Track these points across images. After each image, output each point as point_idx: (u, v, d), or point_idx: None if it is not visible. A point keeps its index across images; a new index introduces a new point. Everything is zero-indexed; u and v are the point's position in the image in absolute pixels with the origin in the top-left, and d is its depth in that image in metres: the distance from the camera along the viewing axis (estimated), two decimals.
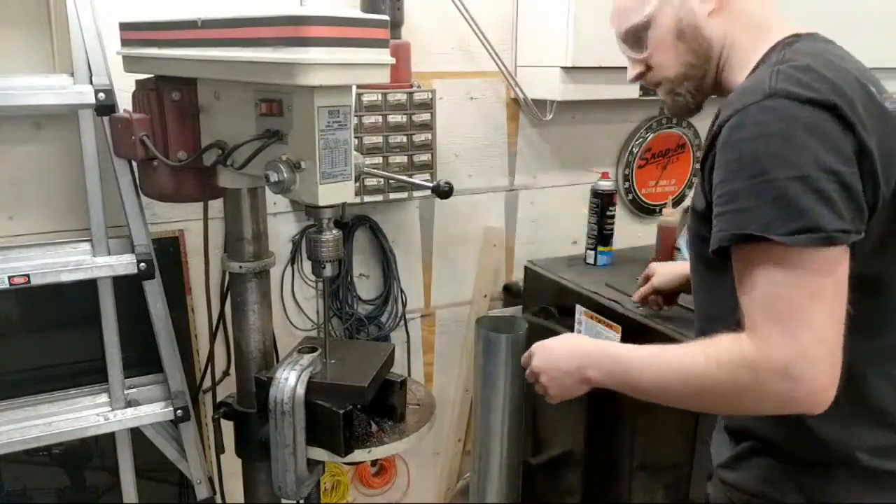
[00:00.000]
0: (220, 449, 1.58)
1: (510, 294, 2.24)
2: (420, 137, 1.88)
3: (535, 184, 2.23)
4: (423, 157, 1.90)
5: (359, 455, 1.34)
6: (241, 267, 1.40)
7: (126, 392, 1.56)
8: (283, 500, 1.45)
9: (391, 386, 1.42)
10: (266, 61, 1.07)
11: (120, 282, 1.49)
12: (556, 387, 1.13)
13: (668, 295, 1.60)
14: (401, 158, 1.87)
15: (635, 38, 1.12)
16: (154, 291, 1.51)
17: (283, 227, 1.91)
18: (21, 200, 1.61)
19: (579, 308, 1.84)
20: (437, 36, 1.95)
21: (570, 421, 1.90)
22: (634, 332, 1.64)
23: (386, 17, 1.14)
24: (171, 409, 1.55)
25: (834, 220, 0.81)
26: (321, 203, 1.16)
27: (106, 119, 1.42)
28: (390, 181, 1.83)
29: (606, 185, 1.99)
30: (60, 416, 1.52)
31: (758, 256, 0.85)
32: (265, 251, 1.44)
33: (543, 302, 1.99)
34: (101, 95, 1.39)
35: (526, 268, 2.13)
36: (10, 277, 1.37)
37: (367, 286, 2.05)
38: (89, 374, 1.64)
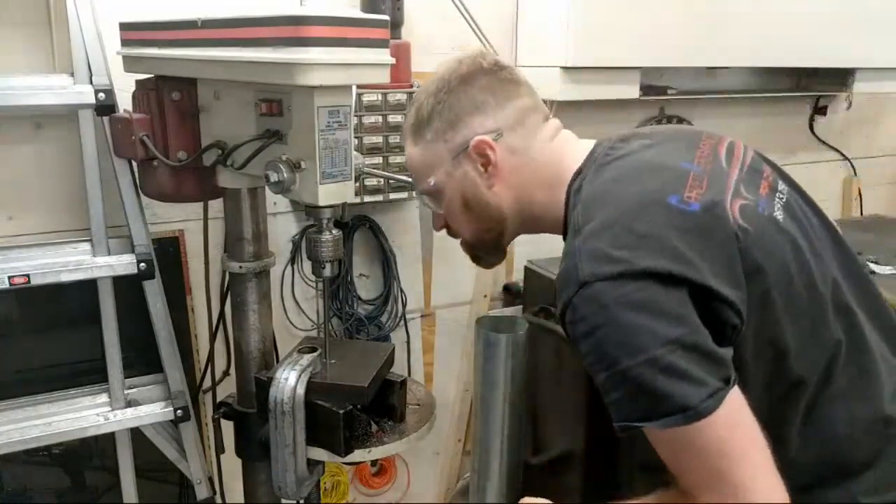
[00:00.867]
0: (220, 449, 1.58)
1: (510, 294, 2.24)
2: None
3: None
4: None
5: (359, 455, 1.34)
6: (241, 267, 1.40)
7: (126, 392, 1.56)
8: (283, 500, 1.45)
9: (391, 386, 1.42)
10: (266, 61, 1.07)
11: (120, 282, 1.49)
12: None
13: None
14: (401, 158, 1.86)
15: (431, 197, 1.13)
16: (154, 291, 1.51)
17: (283, 227, 1.91)
18: (21, 200, 1.61)
19: None
20: (437, 36, 1.95)
21: (570, 421, 1.90)
22: None
23: (386, 17, 1.14)
24: (171, 409, 1.55)
25: (696, 392, 0.80)
26: (321, 203, 1.16)
27: (106, 119, 1.41)
28: (390, 181, 1.83)
29: None
30: (60, 416, 1.52)
31: (658, 437, 0.85)
32: (265, 251, 1.44)
33: (543, 302, 1.99)
34: (101, 95, 1.39)
35: (526, 268, 2.13)
36: (10, 277, 1.37)
37: (367, 286, 2.05)
38: (89, 374, 1.64)
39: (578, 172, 1.00)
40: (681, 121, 2.33)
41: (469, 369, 2.22)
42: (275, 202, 1.84)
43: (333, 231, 1.29)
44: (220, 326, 1.72)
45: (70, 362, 1.68)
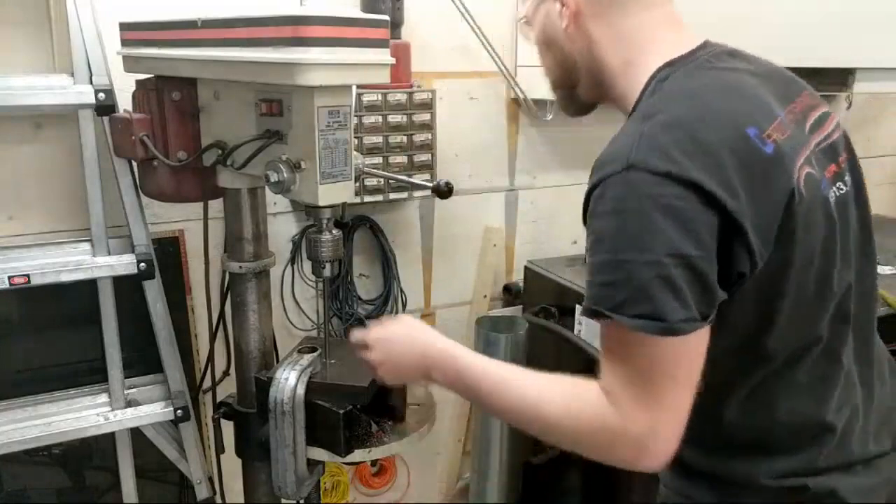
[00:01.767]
0: (220, 449, 1.58)
1: (510, 294, 2.24)
2: (420, 137, 1.88)
3: (535, 184, 2.23)
4: (423, 157, 1.90)
5: (359, 455, 1.34)
6: (241, 267, 1.40)
7: (126, 392, 1.56)
8: (283, 500, 1.45)
9: (391, 386, 1.42)
10: (266, 61, 1.07)
11: (120, 282, 1.49)
12: (395, 378, 1.13)
13: None
14: (401, 158, 1.87)
15: (526, 26, 1.09)
16: (154, 291, 1.51)
17: (283, 227, 1.91)
18: (21, 200, 1.61)
19: (579, 308, 1.84)
20: (437, 36, 1.95)
21: None
22: None
23: (386, 17, 1.14)
24: (171, 409, 1.55)
25: (678, 309, 0.80)
26: (321, 203, 1.16)
27: (106, 119, 1.41)
28: (390, 181, 1.83)
29: None
30: (60, 416, 1.52)
31: (617, 332, 0.85)
32: (265, 251, 1.44)
33: (543, 302, 1.99)
34: (101, 95, 1.39)
35: (526, 268, 2.13)
36: (10, 277, 1.37)
37: (367, 286, 2.05)
38: (89, 374, 1.64)
39: (670, 64, 0.94)
40: None
41: None
42: (275, 202, 1.84)
43: (333, 231, 1.29)
44: (220, 326, 1.72)
45: (70, 362, 1.68)
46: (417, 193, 1.91)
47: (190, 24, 1.21)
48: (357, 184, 1.49)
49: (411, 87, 1.85)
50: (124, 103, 1.43)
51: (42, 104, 1.39)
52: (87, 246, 1.48)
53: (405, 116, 1.84)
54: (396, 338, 1.11)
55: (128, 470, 1.60)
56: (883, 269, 2.09)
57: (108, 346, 1.51)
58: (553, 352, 1.94)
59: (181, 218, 1.76)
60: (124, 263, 1.47)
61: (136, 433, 1.58)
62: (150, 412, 1.56)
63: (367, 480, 2.19)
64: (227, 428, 1.51)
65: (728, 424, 0.97)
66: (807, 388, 0.96)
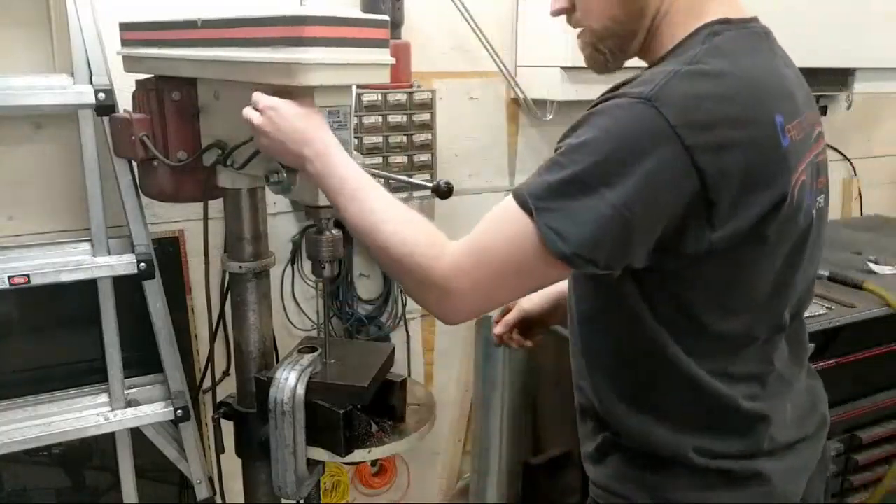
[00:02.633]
0: (220, 449, 1.57)
1: None
2: (420, 137, 1.88)
3: None
4: (423, 157, 1.90)
5: (359, 455, 1.34)
6: (240, 267, 1.40)
7: (126, 392, 1.56)
8: (283, 500, 1.45)
9: (391, 386, 1.42)
10: (266, 61, 1.07)
11: (120, 282, 1.49)
12: (274, 152, 1.09)
13: (532, 325, 1.41)
14: (401, 158, 1.87)
15: None
16: (154, 291, 1.51)
17: (283, 227, 1.91)
18: (21, 200, 1.61)
19: None
20: (437, 36, 1.95)
21: (570, 421, 1.89)
22: None
23: (386, 17, 1.14)
24: (171, 409, 1.55)
25: (585, 244, 0.82)
26: (321, 203, 1.16)
27: (106, 119, 1.41)
28: (390, 181, 1.82)
29: None
30: (60, 416, 1.52)
31: (519, 218, 0.86)
32: (265, 251, 1.44)
33: None
34: (101, 95, 1.39)
35: None
36: (10, 277, 1.37)
37: (367, 286, 2.05)
38: (89, 374, 1.64)
39: (726, 21, 0.91)
40: None
41: (469, 369, 2.22)
42: (275, 202, 1.84)
43: (333, 231, 1.29)
44: (220, 326, 1.72)
45: (70, 362, 1.68)
46: (417, 193, 1.91)
47: (190, 24, 1.21)
48: None
49: (411, 87, 1.85)
50: (124, 103, 1.43)
51: (42, 104, 1.39)
52: (87, 246, 1.48)
53: (405, 116, 1.84)
54: (286, 114, 1.06)
55: (128, 470, 1.60)
56: (882, 269, 2.09)
57: (108, 346, 1.51)
58: (553, 352, 1.94)
59: (181, 218, 1.76)
60: (124, 263, 1.47)
61: (136, 433, 1.58)
62: (150, 412, 1.56)
63: (367, 480, 2.19)
64: (227, 428, 1.51)
65: (664, 382, 0.98)
66: (742, 378, 0.98)
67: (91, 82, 1.40)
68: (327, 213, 1.26)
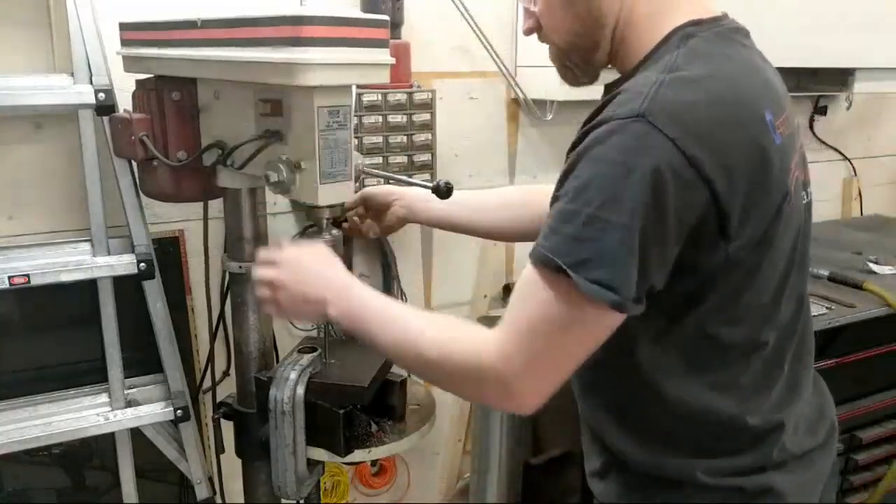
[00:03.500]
0: (220, 449, 1.57)
1: (510, 294, 2.24)
2: (420, 137, 1.88)
3: (535, 184, 2.22)
4: (423, 157, 1.90)
5: (359, 455, 1.34)
6: (241, 267, 1.40)
7: (126, 392, 1.56)
8: (283, 500, 1.45)
9: (391, 386, 1.41)
10: (266, 61, 1.07)
11: (120, 282, 1.49)
12: (291, 308, 1.08)
13: (380, 210, 1.42)
14: (401, 158, 1.87)
15: None
16: (154, 291, 1.51)
17: (283, 227, 1.91)
18: (21, 200, 1.61)
19: None
20: (437, 36, 1.95)
21: (570, 421, 1.89)
22: None
23: (386, 17, 1.14)
24: (171, 409, 1.55)
25: (632, 285, 0.78)
26: (321, 203, 1.16)
27: (106, 119, 1.41)
28: (390, 181, 1.82)
29: None
30: (60, 416, 1.52)
31: (552, 281, 0.82)
32: None
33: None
34: (101, 95, 1.39)
35: None
36: (10, 277, 1.37)
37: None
38: (89, 374, 1.64)
39: (697, 23, 0.89)
40: None
41: None
42: (275, 202, 1.84)
43: (333, 231, 1.29)
44: (220, 326, 1.72)
45: (70, 362, 1.67)
46: None
47: (190, 24, 1.21)
48: (357, 184, 1.48)
49: (411, 87, 1.85)
50: (124, 103, 1.43)
51: (42, 104, 1.39)
52: (87, 246, 1.48)
53: (405, 116, 1.84)
54: (308, 262, 1.07)
55: (128, 470, 1.60)
56: (883, 269, 2.09)
57: (108, 346, 1.51)
58: None
59: (181, 218, 1.75)
60: (124, 263, 1.47)
61: (136, 433, 1.58)
62: (150, 412, 1.56)
63: (367, 480, 2.19)
64: (227, 428, 1.51)
65: (671, 415, 0.96)
66: (751, 390, 0.96)
67: (91, 82, 1.40)
68: (327, 213, 1.26)
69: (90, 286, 1.47)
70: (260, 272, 1.10)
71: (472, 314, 2.20)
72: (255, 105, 1.18)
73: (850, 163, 2.78)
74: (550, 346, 0.84)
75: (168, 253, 1.74)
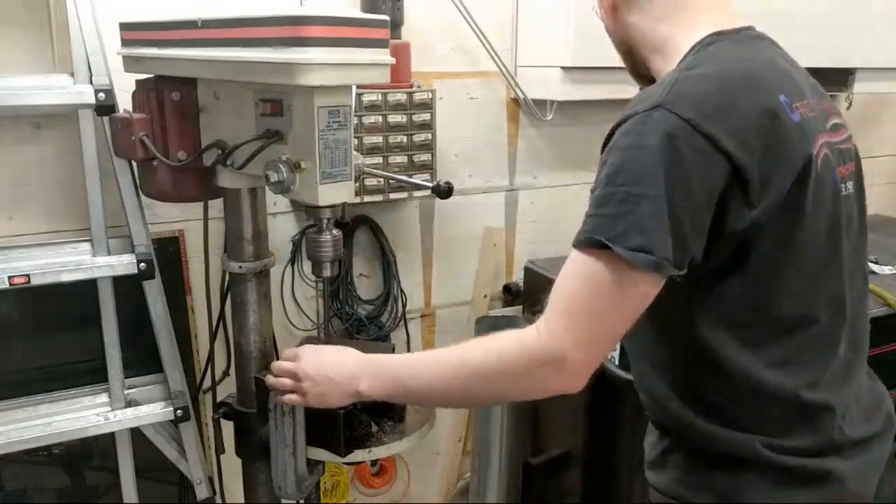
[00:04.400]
0: (220, 449, 1.58)
1: (510, 294, 2.24)
2: (420, 137, 1.88)
3: (535, 184, 2.23)
4: (423, 157, 1.90)
5: (359, 455, 1.34)
6: (241, 267, 1.40)
7: (126, 392, 1.56)
8: (283, 500, 1.45)
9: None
10: (266, 61, 1.07)
11: (120, 282, 1.49)
12: (317, 395, 1.15)
13: None
14: (401, 158, 1.87)
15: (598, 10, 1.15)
16: (154, 291, 1.51)
17: (283, 227, 1.91)
18: (21, 200, 1.61)
19: None
20: (437, 36, 1.95)
21: (570, 421, 1.90)
22: None
23: (386, 17, 1.14)
24: (171, 409, 1.56)
25: (666, 248, 0.84)
26: (321, 203, 1.16)
27: (106, 119, 1.42)
28: (390, 181, 1.83)
29: None
30: (60, 416, 1.52)
31: (595, 256, 0.88)
32: (265, 251, 1.44)
33: (543, 302, 1.99)
34: (101, 95, 1.39)
35: (526, 268, 2.13)
36: (10, 277, 1.37)
37: (367, 286, 2.05)
38: (89, 374, 1.64)
39: (718, 34, 0.98)
40: None
41: None
42: (275, 202, 1.84)
43: (333, 231, 1.29)
44: (220, 326, 1.72)
45: (70, 362, 1.68)
46: (417, 193, 1.91)
47: (190, 24, 1.21)
48: (357, 184, 1.49)
49: (411, 87, 1.85)
50: (124, 103, 1.43)
51: (42, 104, 1.39)
52: (87, 246, 1.48)
53: (405, 116, 1.84)
54: (325, 351, 1.18)
55: (128, 470, 1.60)
56: (882, 269, 2.09)
57: (108, 346, 1.51)
58: None
59: (181, 218, 1.76)
60: (124, 263, 1.47)
61: (136, 433, 1.58)
62: (150, 412, 1.56)
63: (367, 480, 2.19)
64: (227, 428, 1.51)
65: (730, 389, 0.97)
66: (805, 367, 0.97)
67: (91, 82, 1.40)
68: (327, 212, 1.26)
69: (90, 286, 1.47)
70: (282, 365, 1.19)
71: (472, 314, 2.20)
72: (255, 105, 1.18)
73: None
74: (596, 317, 0.89)
75: (168, 253, 1.74)
